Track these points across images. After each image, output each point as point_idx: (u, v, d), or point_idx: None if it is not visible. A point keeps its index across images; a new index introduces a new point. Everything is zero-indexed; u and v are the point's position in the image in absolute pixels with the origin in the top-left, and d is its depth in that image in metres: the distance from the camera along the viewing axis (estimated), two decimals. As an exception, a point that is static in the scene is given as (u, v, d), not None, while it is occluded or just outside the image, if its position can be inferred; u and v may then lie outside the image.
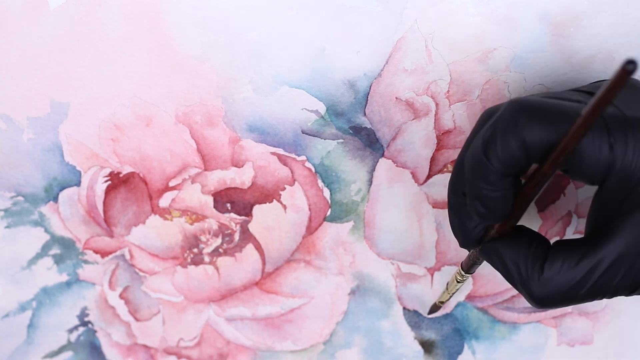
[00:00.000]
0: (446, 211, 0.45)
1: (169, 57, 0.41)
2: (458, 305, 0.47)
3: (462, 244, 0.37)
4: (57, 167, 0.44)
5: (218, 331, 0.48)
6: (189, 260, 0.46)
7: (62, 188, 0.44)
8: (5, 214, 0.45)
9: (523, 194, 0.34)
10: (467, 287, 0.47)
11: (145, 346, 0.48)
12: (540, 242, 0.36)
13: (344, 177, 0.44)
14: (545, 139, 0.32)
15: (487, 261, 0.37)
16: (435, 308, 0.46)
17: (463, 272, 0.40)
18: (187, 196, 0.45)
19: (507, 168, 0.33)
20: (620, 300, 0.47)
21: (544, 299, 0.35)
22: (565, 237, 0.45)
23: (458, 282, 0.41)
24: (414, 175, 0.44)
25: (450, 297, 0.43)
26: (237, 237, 0.46)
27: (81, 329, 0.48)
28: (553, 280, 0.34)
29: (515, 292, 0.47)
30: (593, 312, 0.47)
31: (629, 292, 0.35)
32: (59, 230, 0.46)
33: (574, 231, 0.45)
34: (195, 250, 0.46)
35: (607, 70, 0.41)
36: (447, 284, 0.43)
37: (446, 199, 0.44)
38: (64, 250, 0.46)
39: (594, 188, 0.44)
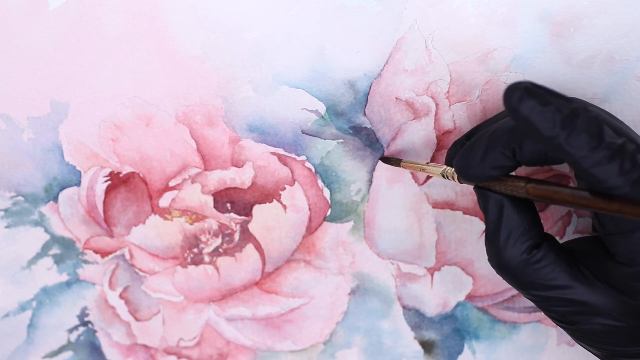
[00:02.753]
0: (446, 211, 0.45)
1: (169, 57, 0.41)
2: (458, 305, 0.47)
3: (469, 173, 0.36)
4: (57, 167, 0.44)
5: (218, 331, 0.48)
6: (189, 260, 0.46)
7: (62, 188, 0.44)
8: (5, 214, 0.45)
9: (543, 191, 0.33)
10: (467, 286, 0.47)
11: (145, 346, 0.48)
12: (539, 226, 0.37)
13: (344, 177, 0.44)
14: None
15: (481, 201, 0.37)
16: (394, 162, 0.43)
17: (456, 178, 0.38)
18: (187, 196, 0.45)
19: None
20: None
21: (505, 268, 0.36)
22: (565, 237, 0.46)
23: (443, 177, 0.39)
24: (413, 176, 0.44)
25: (416, 170, 0.42)
26: (237, 237, 0.46)
27: (81, 329, 0.48)
28: (529, 266, 0.36)
29: (515, 292, 0.47)
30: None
31: (556, 320, 0.37)
32: (59, 230, 0.46)
33: (574, 231, 0.45)
34: (195, 250, 0.46)
35: (607, 70, 0.41)
36: (429, 165, 0.41)
37: (446, 199, 0.44)
38: (64, 250, 0.46)
39: (594, 188, 0.44)
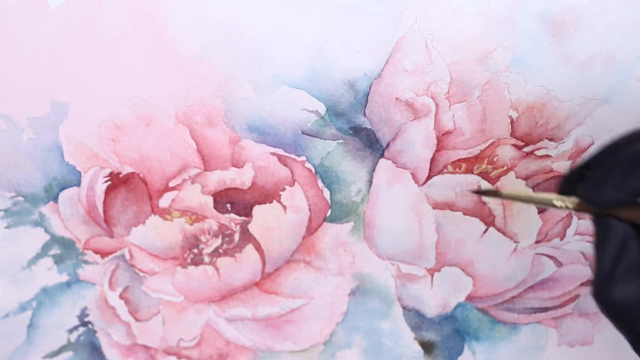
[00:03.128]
0: (446, 212, 0.45)
1: (169, 57, 0.41)
2: (458, 306, 0.47)
3: (603, 199, 0.33)
4: (57, 167, 0.44)
5: (218, 331, 0.48)
6: (189, 260, 0.46)
7: (62, 188, 0.44)
8: (5, 214, 0.45)
9: None
10: (467, 287, 0.47)
11: (145, 346, 0.48)
12: None
13: (344, 177, 0.44)
14: None
15: (601, 230, 0.33)
16: (491, 193, 0.39)
17: (572, 208, 0.35)
18: (187, 196, 0.45)
19: None
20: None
21: (618, 304, 0.32)
22: (565, 239, 0.45)
23: (556, 206, 0.35)
24: (414, 176, 0.44)
25: (516, 200, 0.38)
26: (237, 237, 0.46)
27: (81, 329, 0.48)
28: None
29: (515, 293, 0.47)
30: (594, 312, 0.47)
31: None
32: (59, 231, 0.46)
33: (574, 232, 0.45)
34: (195, 250, 0.46)
35: (607, 70, 0.41)
36: (537, 194, 0.38)
37: (446, 200, 0.44)
38: (64, 250, 0.46)
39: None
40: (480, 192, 0.43)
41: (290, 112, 0.42)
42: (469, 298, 0.47)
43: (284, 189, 0.44)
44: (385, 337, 0.48)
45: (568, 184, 0.35)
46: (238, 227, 0.45)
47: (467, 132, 0.43)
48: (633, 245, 0.32)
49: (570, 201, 0.35)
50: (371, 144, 0.43)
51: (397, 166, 0.44)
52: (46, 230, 0.46)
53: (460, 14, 0.40)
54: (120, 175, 0.44)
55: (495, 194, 0.37)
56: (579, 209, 0.34)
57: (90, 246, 0.46)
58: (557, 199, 0.35)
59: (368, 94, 0.42)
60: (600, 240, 0.33)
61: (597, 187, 0.33)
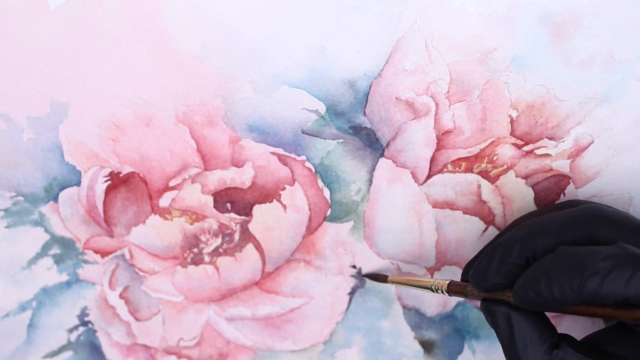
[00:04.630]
0: (446, 211, 0.45)
1: (169, 57, 0.41)
2: (458, 305, 0.47)
3: (479, 281, 0.38)
4: (57, 167, 0.44)
5: (218, 331, 0.48)
6: (189, 260, 0.46)
7: (62, 188, 0.44)
8: (5, 214, 0.45)
9: (584, 308, 0.34)
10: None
11: (145, 346, 0.48)
12: (551, 327, 0.37)
13: (343, 177, 0.44)
14: None
15: (489, 319, 0.37)
16: (380, 279, 0.45)
17: (445, 291, 0.40)
18: (187, 196, 0.45)
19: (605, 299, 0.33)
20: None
21: None
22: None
23: (431, 290, 0.41)
24: (413, 175, 0.44)
25: (402, 285, 0.43)
26: (237, 237, 0.46)
27: (81, 329, 0.48)
28: None
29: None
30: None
31: None
32: (59, 230, 0.46)
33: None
34: (195, 250, 0.46)
35: (607, 70, 0.41)
36: (414, 279, 0.43)
37: (446, 199, 0.44)
38: (64, 250, 0.46)
39: (594, 189, 0.44)
40: (369, 277, 0.46)
41: (290, 111, 0.42)
42: (469, 297, 0.47)
43: (284, 189, 0.44)
44: (385, 336, 0.48)
45: (466, 269, 0.39)
46: (238, 226, 0.45)
47: (467, 132, 0.43)
48: (518, 321, 0.36)
49: (444, 287, 0.41)
50: (371, 144, 0.43)
51: (397, 165, 0.44)
52: (46, 230, 0.46)
53: (460, 14, 0.40)
54: (120, 175, 0.44)
55: (382, 278, 0.45)
56: (454, 292, 0.40)
57: (90, 246, 0.46)
58: (433, 284, 0.40)
59: (368, 93, 0.42)
60: (493, 326, 0.37)
61: (481, 274, 0.37)
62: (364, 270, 0.46)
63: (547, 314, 0.40)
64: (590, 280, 0.32)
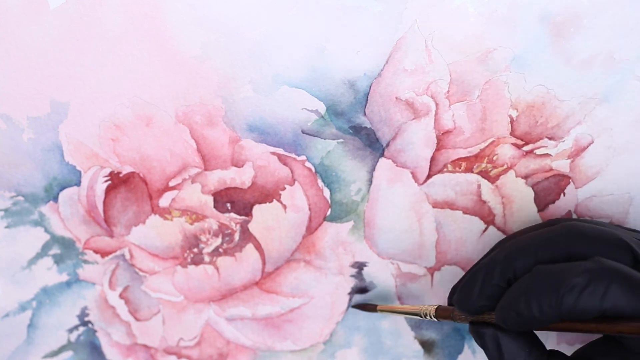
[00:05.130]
0: (446, 211, 0.45)
1: (169, 57, 0.41)
2: (458, 305, 0.47)
3: (464, 305, 0.38)
4: (57, 167, 0.44)
5: (218, 331, 0.48)
6: (189, 260, 0.46)
7: (62, 188, 0.44)
8: (5, 214, 0.45)
9: (568, 325, 0.34)
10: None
11: (145, 346, 0.48)
12: (539, 345, 0.37)
13: (343, 177, 0.44)
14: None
15: (478, 340, 0.38)
16: (369, 308, 0.46)
17: (433, 316, 0.41)
18: (187, 196, 0.45)
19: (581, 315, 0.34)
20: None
21: None
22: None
23: (420, 317, 0.42)
24: (413, 175, 0.44)
25: (391, 313, 0.44)
26: (237, 237, 0.46)
27: (81, 329, 0.48)
28: None
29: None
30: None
31: None
32: (59, 230, 0.46)
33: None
34: (195, 250, 0.46)
35: (607, 70, 0.41)
36: (402, 307, 0.43)
37: (446, 199, 0.44)
38: (64, 250, 0.46)
39: (594, 189, 0.44)
40: (359, 307, 0.46)
41: (290, 111, 0.42)
42: (469, 297, 0.47)
43: (284, 189, 0.44)
44: (385, 336, 0.48)
45: (451, 293, 0.39)
46: (238, 226, 0.45)
47: (467, 131, 0.43)
48: (506, 342, 0.37)
49: (431, 313, 0.41)
50: (371, 144, 0.43)
51: (397, 165, 0.44)
52: (46, 230, 0.46)
53: (460, 14, 0.40)
54: (120, 175, 0.44)
55: (372, 308, 0.45)
56: (442, 317, 0.40)
57: (90, 246, 0.46)
58: (421, 311, 0.42)
59: (368, 93, 0.42)
60: (482, 347, 0.38)
61: (465, 297, 0.38)
62: (365, 270, 0.46)
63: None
64: (567, 296, 0.33)
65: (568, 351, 0.48)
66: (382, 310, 0.44)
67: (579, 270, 0.33)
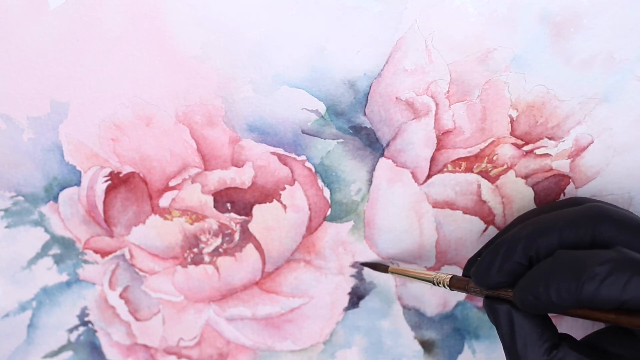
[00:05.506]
0: (446, 211, 0.45)
1: (169, 57, 0.41)
2: (458, 304, 0.47)
3: (481, 279, 0.38)
4: (57, 167, 0.44)
5: (218, 331, 0.48)
6: (189, 260, 0.46)
7: (62, 188, 0.44)
8: (5, 214, 0.45)
9: (586, 312, 0.34)
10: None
11: (145, 346, 0.48)
12: (552, 328, 0.37)
13: (344, 177, 0.44)
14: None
15: (491, 316, 0.38)
16: (380, 268, 0.45)
17: (447, 285, 0.40)
18: (187, 196, 0.45)
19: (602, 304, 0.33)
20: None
21: None
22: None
23: (432, 283, 0.41)
24: (413, 175, 0.44)
25: (403, 277, 0.44)
26: (237, 237, 0.46)
27: (81, 329, 0.48)
28: None
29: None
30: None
31: None
32: (59, 230, 0.46)
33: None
34: (195, 250, 0.46)
35: (607, 70, 0.41)
36: (415, 271, 0.43)
37: (446, 199, 0.44)
38: (64, 250, 0.46)
39: (594, 188, 0.44)
40: (369, 265, 0.46)
41: (290, 111, 0.42)
42: (469, 297, 0.47)
43: (284, 188, 0.44)
44: (385, 336, 0.48)
45: (467, 267, 0.39)
46: (238, 226, 0.45)
47: (467, 131, 0.43)
48: (519, 320, 0.36)
49: (445, 282, 0.41)
50: (371, 144, 0.43)
51: (397, 165, 0.44)
52: (46, 230, 0.46)
53: (460, 14, 0.40)
54: (120, 175, 0.44)
55: (382, 268, 0.45)
56: (456, 288, 0.40)
57: (90, 246, 0.46)
58: (434, 278, 0.39)
59: (368, 93, 0.42)
60: (495, 323, 0.38)
61: (483, 272, 0.37)
62: (365, 270, 0.46)
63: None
64: (587, 284, 0.33)
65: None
66: (393, 272, 0.44)
67: (602, 259, 0.33)
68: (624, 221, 0.35)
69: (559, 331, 0.38)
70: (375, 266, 0.45)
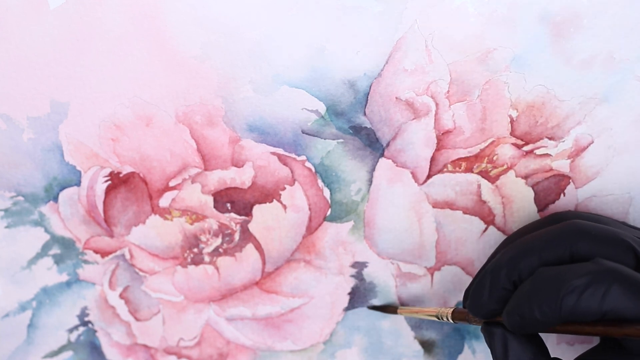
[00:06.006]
0: (446, 211, 0.45)
1: (169, 57, 0.41)
2: (458, 305, 0.47)
3: (475, 310, 0.38)
4: (57, 167, 0.44)
5: (218, 331, 0.48)
6: (189, 260, 0.46)
7: (62, 188, 0.44)
8: (5, 214, 0.45)
9: (575, 328, 0.34)
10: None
11: (145, 346, 0.48)
12: (544, 351, 0.37)
13: (344, 177, 0.44)
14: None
15: (487, 339, 0.38)
16: (390, 310, 0.46)
17: (450, 318, 0.41)
18: (187, 196, 0.45)
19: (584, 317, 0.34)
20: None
21: None
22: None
23: (439, 319, 0.42)
24: (413, 175, 0.44)
25: (413, 315, 0.44)
26: (237, 237, 0.46)
27: (81, 329, 0.48)
28: None
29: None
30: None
31: None
32: (59, 230, 0.46)
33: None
34: (195, 250, 0.46)
35: (607, 70, 0.41)
36: (421, 310, 0.43)
37: (446, 199, 0.44)
38: (64, 250, 0.46)
39: (594, 189, 0.44)
40: (379, 309, 0.47)
41: (290, 111, 0.42)
42: (469, 297, 0.47)
43: (284, 189, 0.44)
44: (385, 336, 0.48)
45: (464, 299, 0.41)
46: (238, 226, 0.45)
47: (467, 131, 0.43)
48: (513, 344, 0.37)
49: (448, 315, 0.41)
50: (371, 144, 0.43)
51: (397, 165, 0.44)
52: (46, 230, 0.46)
53: (460, 14, 0.40)
54: (120, 175, 0.44)
55: (392, 310, 0.46)
56: (458, 319, 0.41)
57: (90, 246, 0.46)
58: (438, 313, 0.42)
59: (368, 93, 0.42)
60: (489, 346, 0.38)
61: (475, 303, 0.38)
62: (365, 270, 0.46)
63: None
64: (567, 298, 0.33)
65: (568, 351, 0.48)
66: (403, 313, 0.45)
67: (580, 272, 0.33)
68: (602, 235, 0.35)
69: (548, 347, 0.38)
70: (385, 309, 0.46)
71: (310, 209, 0.45)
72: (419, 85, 0.42)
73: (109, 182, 0.44)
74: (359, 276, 0.46)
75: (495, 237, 0.45)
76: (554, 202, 0.45)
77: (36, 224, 0.45)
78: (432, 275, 0.46)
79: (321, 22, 0.40)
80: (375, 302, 0.47)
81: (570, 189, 0.44)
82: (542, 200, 0.45)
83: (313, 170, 0.44)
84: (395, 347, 0.48)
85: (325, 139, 0.43)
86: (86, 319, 0.48)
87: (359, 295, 0.47)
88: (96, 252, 0.46)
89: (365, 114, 0.42)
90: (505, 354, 0.37)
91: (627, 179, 0.44)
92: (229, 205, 0.45)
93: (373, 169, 0.44)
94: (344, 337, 0.48)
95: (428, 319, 0.47)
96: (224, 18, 0.40)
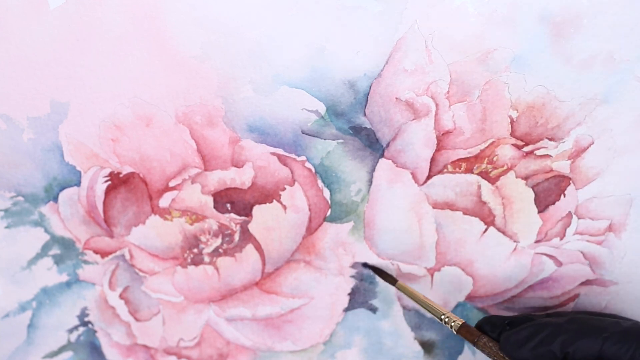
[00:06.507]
0: (446, 211, 0.45)
1: (169, 57, 0.41)
2: (458, 305, 0.47)
3: (509, 350, 0.39)
4: (57, 167, 0.44)
5: (218, 331, 0.48)
6: (189, 260, 0.46)
7: (62, 188, 0.44)
8: (5, 214, 0.45)
9: None
10: (467, 287, 0.47)
11: (145, 346, 0.48)
12: None
13: (344, 177, 0.44)
14: None
15: None
16: (389, 279, 0.45)
17: (455, 330, 0.41)
18: (187, 196, 0.45)
19: None
20: (619, 299, 0.46)
21: None
22: (565, 238, 0.45)
23: (438, 318, 0.42)
24: (413, 176, 0.44)
25: (410, 297, 0.44)
26: (237, 237, 0.46)
27: (81, 329, 0.48)
28: None
29: (515, 292, 0.47)
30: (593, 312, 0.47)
31: None
32: (59, 231, 0.46)
33: (574, 232, 0.45)
34: (195, 250, 0.46)
35: (607, 70, 0.41)
36: (423, 298, 0.43)
37: (446, 200, 0.44)
38: (64, 250, 0.46)
39: (594, 189, 0.44)
40: (376, 271, 0.46)
41: (290, 112, 0.42)
42: (469, 297, 0.47)
43: (284, 189, 0.44)
44: (385, 336, 0.48)
45: (487, 325, 0.41)
46: (238, 226, 0.45)
47: (467, 132, 0.43)
48: None
49: (455, 327, 0.41)
50: (371, 144, 0.43)
51: (397, 166, 0.44)
52: (46, 230, 0.46)
53: (460, 14, 0.40)
54: (120, 175, 0.44)
55: (391, 280, 0.45)
56: (463, 336, 0.40)
57: (90, 246, 0.46)
58: (445, 316, 0.41)
59: (368, 93, 0.42)
60: None
61: (516, 345, 0.39)
62: (367, 272, 0.46)
63: None
64: None
65: None
66: (400, 288, 0.44)
67: None
68: None
69: None
70: (383, 275, 0.46)
71: (310, 209, 0.45)
72: (419, 86, 0.42)
73: (109, 182, 0.44)
74: (359, 277, 0.46)
75: (495, 238, 0.45)
76: (554, 203, 0.45)
77: (36, 224, 0.45)
78: (432, 275, 0.46)
79: (321, 22, 0.40)
80: (376, 302, 0.47)
81: (570, 190, 0.44)
82: (543, 201, 0.44)
83: (313, 170, 0.44)
84: (395, 348, 0.48)
85: (325, 139, 0.43)
86: (86, 319, 0.48)
87: (359, 296, 0.47)
88: (96, 252, 0.46)
89: (365, 114, 0.42)
90: None
91: (628, 180, 0.44)
92: (229, 205, 0.45)
93: (373, 170, 0.44)
94: (344, 338, 0.48)
95: (428, 318, 0.47)
96: (224, 18, 0.40)
